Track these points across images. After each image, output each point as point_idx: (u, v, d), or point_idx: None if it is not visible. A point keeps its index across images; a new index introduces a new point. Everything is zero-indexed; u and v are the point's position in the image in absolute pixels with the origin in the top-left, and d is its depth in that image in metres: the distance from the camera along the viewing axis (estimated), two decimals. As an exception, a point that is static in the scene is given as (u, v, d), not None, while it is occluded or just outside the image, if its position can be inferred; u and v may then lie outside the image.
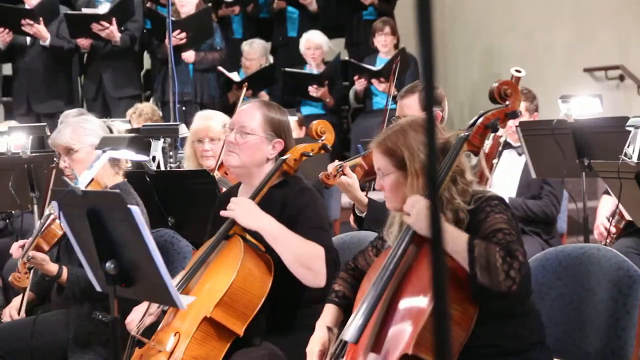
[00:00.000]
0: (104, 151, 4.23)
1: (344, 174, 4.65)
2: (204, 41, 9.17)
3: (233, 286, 3.60)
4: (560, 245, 3.92)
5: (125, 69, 9.23)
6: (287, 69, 9.39)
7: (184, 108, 8.53)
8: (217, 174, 5.11)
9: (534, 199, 5.93)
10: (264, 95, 9.40)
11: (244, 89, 6.92)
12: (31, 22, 8.73)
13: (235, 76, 9.44)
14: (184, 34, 8.78)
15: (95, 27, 8.79)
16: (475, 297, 3.02)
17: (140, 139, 4.37)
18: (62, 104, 8.79)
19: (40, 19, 8.77)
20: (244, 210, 3.71)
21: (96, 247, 3.20)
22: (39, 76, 9.04)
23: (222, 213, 3.76)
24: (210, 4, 9.27)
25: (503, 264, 2.96)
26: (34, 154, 5.83)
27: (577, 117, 5.54)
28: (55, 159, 4.59)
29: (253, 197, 3.78)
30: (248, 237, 3.72)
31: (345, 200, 4.85)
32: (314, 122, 4.13)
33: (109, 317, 3.24)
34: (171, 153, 6.11)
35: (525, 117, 5.85)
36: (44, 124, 7.35)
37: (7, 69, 9.66)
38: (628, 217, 4.98)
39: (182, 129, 5.52)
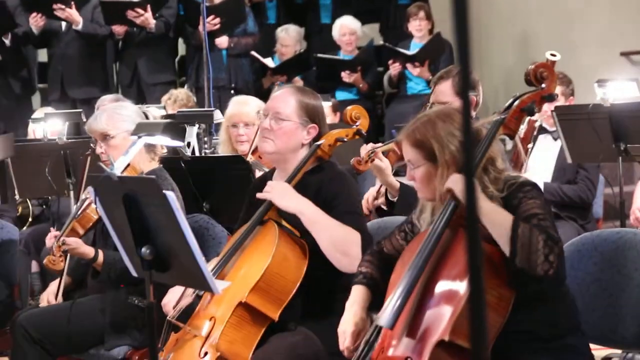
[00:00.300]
0: (139, 137, 4.25)
1: (377, 158, 4.63)
2: (237, 26, 9.17)
3: (268, 271, 3.61)
4: (597, 230, 3.90)
5: (160, 55, 9.26)
6: (320, 55, 9.38)
7: (218, 94, 8.55)
8: (251, 158, 5.12)
9: (569, 183, 5.89)
10: (298, 81, 9.40)
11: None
12: (63, 6, 8.78)
13: (269, 62, 9.44)
14: (217, 20, 8.79)
15: (130, 14, 8.82)
16: (511, 280, 3.01)
17: (175, 125, 4.39)
18: (97, 90, 8.83)
19: (72, 3, 8.81)
20: (281, 193, 3.71)
21: (132, 233, 3.21)
22: (73, 62, 9.09)
23: (259, 195, 3.76)
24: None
25: (544, 247, 2.95)
26: (70, 140, 5.86)
27: (613, 101, 5.49)
28: (91, 145, 4.61)
29: (288, 182, 3.78)
30: (283, 222, 3.72)
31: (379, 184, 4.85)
32: (349, 107, 4.12)
33: (145, 302, 3.26)
34: (206, 139, 6.13)
35: (561, 101, 5.81)
36: (80, 110, 7.38)
37: (43, 56, 9.72)
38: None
39: (217, 115, 5.53)
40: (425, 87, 8.81)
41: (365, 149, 4.68)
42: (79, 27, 8.93)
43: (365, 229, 3.74)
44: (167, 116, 6.22)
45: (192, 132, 5.30)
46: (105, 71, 9.30)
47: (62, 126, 6.01)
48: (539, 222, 3.02)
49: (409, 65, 8.96)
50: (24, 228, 6.74)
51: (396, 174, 4.75)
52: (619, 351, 4.70)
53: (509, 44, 9.87)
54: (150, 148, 4.45)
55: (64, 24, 9.03)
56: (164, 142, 4.42)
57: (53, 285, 4.55)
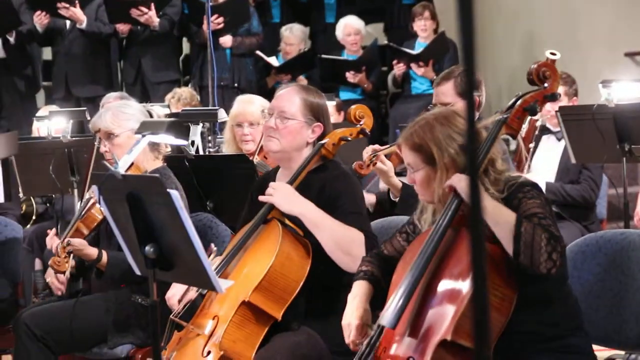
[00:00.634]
0: (143, 135, 4.25)
1: (379, 162, 4.64)
2: (241, 26, 9.17)
3: (271, 270, 3.61)
4: (601, 231, 3.89)
5: (164, 54, 9.27)
6: (323, 56, 9.37)
7: (221, 93, 8.55)
8: (256, 159, 5.12)
9: (572, 183, 5.89)
10: (302, 79, 9.39)
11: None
12: (67, 5, 8.79)
13: (274, 61, 9.44)
14: (221, 19, 8.79)
15: (134, 12, 8.83)
16: (514, 280, 3.01)
17: (180, 124, 4.39)
18: (101, 88, 8.84)
19: (77, 1, 8.82)
20: (283, 196, 3.71)
21: (136, 231, 3.21)
22: (78, 60, 9.10)
23: (261, 198, 3.76)
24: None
25: (547, 245, 2.95)
26: (74, 138, 5.87)
27: (618, 102, 5.49)
28: (95, 143, 4.61)
29: (291, 182, 3.78)
30: (286, 221, 3.72)
31: (383, 185, 4.85)
32: (353, 106, 4.12)
33: (148, 300, 3.26)
34: (210, 137, 6.13)
35: (564, 101, 5.81)
36: (84, 108, 7.39)
37: (47, 54, 9.73)
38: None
39: (221, 114, 5.53)
40: (429, 86, 8.80)
41: (367, 152, 4.68)
42: (83, 25, 8.94)
43: (369, 229, 3.74)
44: (171, 115, 6.22)
45: (196, 131, 5.30)
46: (110, 69, 9.30)
47: (66, 124, 6.02)
48: (539, 221, 3.02)
49: (413, 65, 8.95)
50: (28, 226, 6.75)
51: (399, 174, 4.75)
52: (622, 352, 4.69)
53: (513, 44, 9.86)
54: (154, 147, 4.45)
55: (68, 22, 9.04)
56: (168, 140, 4.42)
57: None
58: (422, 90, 9.10)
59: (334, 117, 7.20)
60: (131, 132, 4.38)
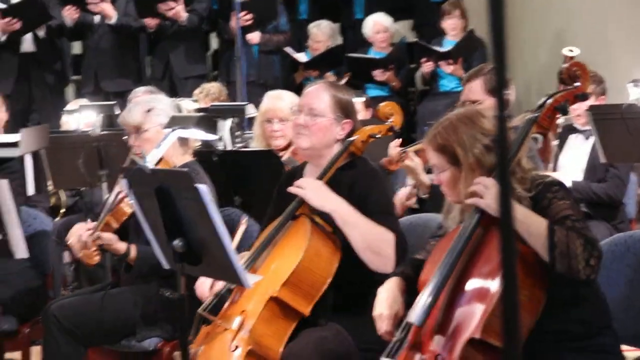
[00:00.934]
0: (172, 130, 4.27)
1: (408, 158, 4.64)
2: (269, 23, 9.19)
3: (300, 266, 3.61)
4: (630, 231, 3.88)
5: (192, 49, 9.29)
6: (350, 55, 9.37)
7: (247, 89, 8.56)
8: (287, 155, 5.12)
9: (599, 182, 5.86)
10: (330, 76, 9.39)
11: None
12: (97, 0, 8.83)
13: (302, 57, 9.44)
14: (249, 15, 8.81)
15: (162, 7, 8.86)
16: (550, 278, 3.00)
17: (208, 119, 4.40)
18: (130, 82, 8.88)
19: (106, -3, 8.89)
20: (315, 191, 3.71)
21: (164, 225, 3.23)
22: (107, 55, 9.14)
23: (291, 189, 3.76)
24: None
25: (584, 252, 2.94)
26: (103, 132, 5.90)
27: (647, 101, 5.46)
28: (124, 137, 4.63)
29: (320, 178, 3.78)
30: (315, 217, 3.73)
31: (411, 181, 4.86)
32: (382, 103, 4.12)
33: (177, 294, 3.28)
34: (238, 133, 6.15)
35: (591, 100, 5.78)
36: (114, 102, 7.43)
37: (77, 48, 9.78)
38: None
39: (249, 109, 5.54)
40: (457, 84, 8.78)
41: (394, 147, 4.67)
42: (112, 21, 8.99)
43: (399, 229, 3.73)
44: (199, 110, 6.25)
45: (224, 126, 5.32)
46: (138, 64, 9.35)
47: (96, 118, 6.05)
48: (573, 224, 3.01)
49: (442, 63, 8.93)
50: (57, 218, 6.79)
51: (429, 171, 4.74)
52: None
53: (542, 42, 9.82)
54: (183, 141, 4.46)
55: (97, 17, 9.08)
56: (196, 135, 4.43)
57: (85, 225, 4.38)
58: (450, 88, 9.08)
59: (362, 114, 7.19)
60: (160, 126, 4.39)
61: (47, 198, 6.75)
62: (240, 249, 4.00)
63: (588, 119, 5.53)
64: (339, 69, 9.65)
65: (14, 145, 5.76)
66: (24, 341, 4.83)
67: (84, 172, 5.62)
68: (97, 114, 6.13)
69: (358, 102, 6.32)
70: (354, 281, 3.73)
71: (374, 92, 9.32)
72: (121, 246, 4.30)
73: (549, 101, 3.32)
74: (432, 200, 4.64)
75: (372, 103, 7.61)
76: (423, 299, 3.08)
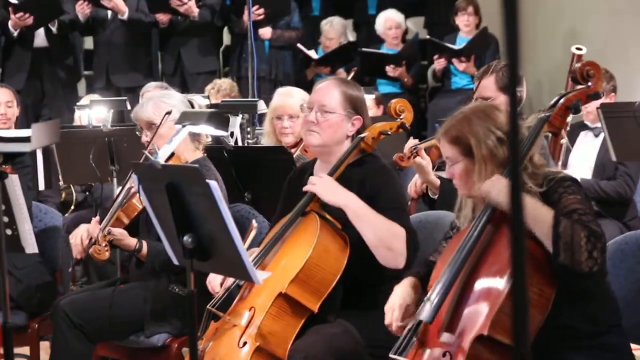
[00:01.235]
0: (183, 126, 4.26)
1: (418, 156, 4.63)
2: (282, 18, 9.19)
3: (309, 263, 3.61)
4: (640, 230, 3.86)
5: (204, 45, 9.30)
6: (363, 49, 9.37)
7: (257, 84, 8.56)
8: (297, 152, 5.12)
9: (609, 180, 5.85)
10: (342, 72, 9.39)
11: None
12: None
13: (313, 54, 9.44)
14: (262, 10, 8.81)
15: (173, 2, 8.86)
16: (555, 277, 3.00)
17: (220, 115, 4.39)
18: (141, 78, 8.89)
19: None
20: (326, 187, 3.71)
21: (174, 221, 3.22)
22: (118, 50, 9.16)
23: (306, 188, 3.76)
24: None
25: (587, 244, 2.94)
26: (114, 128, 5.91)
27: (661, 99, 5.42)
28: (137, 132, 4.63)
29: (331, 174, 3.78)
30: (325, 214, 3.72)
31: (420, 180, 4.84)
32: (393, 100, 4.11)
33: (186, 290, 3.27)
34: (249, 129, 6.15)
35: (602, 98, 5.75)
36: (125, 98, 7.44)
37: (89, 44, 9.80)
38: None
39: (261, 105, 5.53)
40: (469, 81, 8.77)
41: (408, 145, 4.67)
42: (124, 16, 9.00)
43: (410, 225, 3.73)
44: (211, 106, 6.24)
45: (235, 122, 5.31)
46: (150, 60, 9.36)
47: (107, 113, 6.05)
48: (579, 217, 3.01)
49: (454, 60, 8.92)
50: (67, 214, 6.80)
51: (438, 168, 4.73)
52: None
53: (555, 39, 9.80)
54: (194, 137, 4.46)
55: (109, 12, 9.09)
56: (207, 131, 4.42)
57: (92, 223, 4.42)
58: (461, 85, 9.07)
59: (373, 111, 7.20)
60: (173, 122, 4.39)
61: (57, 193, 6.76)
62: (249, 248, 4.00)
63: (599, 116, 5.51)
64: (350, 66, 9.65)
65: (25, 140, 5.76)
66: (33, 336, 4.84)
67: (94, 168, 5.63)
68: (108, 110, 6.13)
69: (369, 98, 6.31)
70: (363, 278, 3.73)
71: (385, 88, 9.32)
72: (132, 242, 4.30)
73: (561, 100, 3.32)
74: (441, 199, 4.63)
75: (383, 100, 7.61)
76: (432, 297, 3.08)
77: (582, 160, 5.92)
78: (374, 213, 3.64)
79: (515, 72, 1.69)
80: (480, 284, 3.09)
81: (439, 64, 9.06)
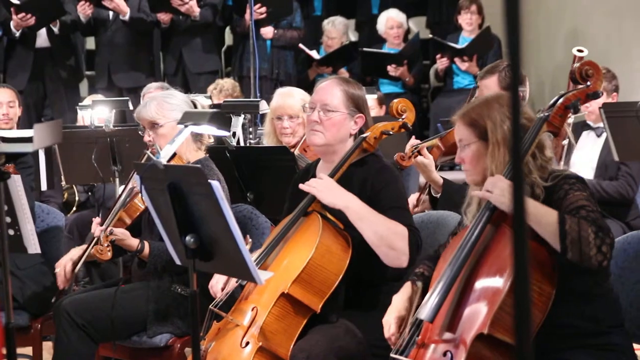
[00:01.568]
0: (185, 126, 4.26)
1: (420, 155, 4.63)
2: (283, 18, 9.19)
3: (311, 263, 3.61)
4: (643, 229, 3.86)
5: (205, 44, 9.30)
6: (365, 49, 9.37)
7: (259, 84, 8.56)
8: (296, 152, 5.12)
9: (611, 180, 5.84)
10: (343, 72, 9.40)
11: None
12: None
13: (315, 54, 9.44)
14: (264, 9, 8.81)
15: (174, 1, 8.87)
16: (562, 273, 3.00)
17: (222, 115, 4.38)
18: (143, 78, 8.90)
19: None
20: (326, 189, 3.71)
21: (176, 221, 3.23)
22: (120, 50, 9.16)
23: (302, 186, 3.75)
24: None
25: (596, 239, 2.95)
26: (116, 128, 5.90)
27: (662, 99, 5.42)
28: (140, 132, 4.63)
29: (332, 175, 3.78)
30: (327, 214, 3.72)
31: (423, 179, 4.84)
32: (395, 100, 4.11)
33: (188, 290, 3.28)
34: (251, 129, 6.15)
35: (603, 97, 5.75)
36: (127, 98, 7.44)
37: (91, 44, 9.80)
38: None
39: (263, 105, 5.53)
40: (471, 81, 8.77)
41: (411, 144, 4.67)
42: (126, 17, 9.00)
43: (412, 223, 3.73)
44: (213, 106, 6.24)
45: (237, 122, 5.31)
46: (152, 60, 9.36)
47: (109, 114, 6.05)
48: (587, 214, 3.02)
49: (457, 60, 8.92)
50: (69, 214, 6.80)
51: (440, 169, 4.74)
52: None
53: (557, 39, 9.80)
54: (197, 137, 4.46)
55: (111, 12, 9.10)
56: (210, 131, 4.42)
57: (75, 251, 4.46)
58: (464, 85, 9.07)
59: (376, 111, 7.20)
60: (175, 122, 4.39)
61: (60, 193, 6.76)
62: (252, 247, 4.00)
63: (601, 116, 5.51)
64: (352, 66, 9.66)
65: (27, 140, 5.76)
66: (36, 336, 4.84)
67: (97, 168, 5.63)
68: (110, 110, 6.13)
69: (371, 98, 6.31)
70: (365, 278, 3.73)
71: (387, 88, 9.32)
72: (134, 242, 4.30)
73: (560, 100, 3.33)
74: (443, 198, 4.63)
75: (385, 99, 7.62)
76: (433, 296, 3.09)
77: (584, 160, 5.92)
78: (374, 213, 3.64)
79: (517, 72, 1.69)
80: (481, 282, 3.09)
81: (441, 63, 9.06)
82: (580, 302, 3.15)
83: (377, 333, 3.46)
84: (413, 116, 4.06)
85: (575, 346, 3.14)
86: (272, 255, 3.75)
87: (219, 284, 3.87)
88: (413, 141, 4.71)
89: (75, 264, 4.40)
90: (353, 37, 10.18)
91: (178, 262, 3.39)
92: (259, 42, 8.66)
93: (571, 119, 5.78)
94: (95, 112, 6.32)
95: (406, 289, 3.43)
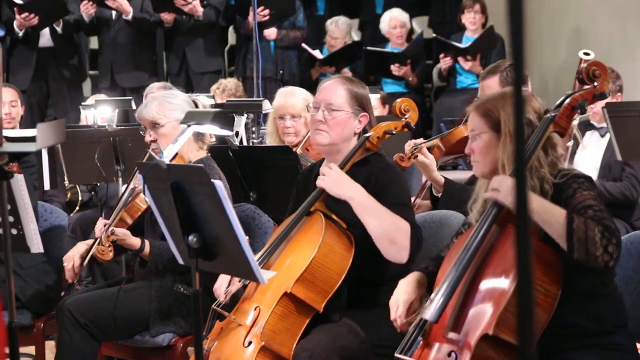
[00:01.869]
0: (188, 125, 4.26)
1: (421, 154, 4.63)
2: (286, 18, 9.19)
3: (314, 262, 3.61)
4: (646, 229, 3.86)
5: (209, 44, 9.30)
6: (369, 48, 9.37)
7: (264, 84, 8.57)
8: (299, 151, 5.13)
9: (615, 181, 5.83)
10: (347, 72, 9.40)
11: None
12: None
13: (318, 54, 9.44)
14: (267, 11, 8.81)
15: (177, 1, 8.87)
16: (568, 272, 3.00)
17: (225, 114, 4.38)
18: (146, 78, 8.90)
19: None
20: (333, 179, 3.72)
21: (179, 221, 3.22)
22: (123, 50, 9.17)
23: (318, 183, 3.76)
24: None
25: (602, 239, 2.95)
26: (119, 127, 5.91)
27: (665, 98, 5.42)
28: (141, 132, 4.63)
29: (338, 170, 3.79)
30: (330, 213, 3.72)
31: (425, 179, 4.85)
32: (398, 100, 4.11)
33: (191, 290, 3.28)
34: (254, 129, 6.15)
35: (607, 97, 5.73)
36: (130, 97, 7.44)
37: (94, 43, 9.81)
38: None
39: (266, 105, 5.53)
40: (474, 81, 8.77)
41: (409, 144, 4.67)
42: (129, 16, 9.00)
43: (414, 220, 3.74)
44: (216, 105, 6.24)
45: (240, 122, 5.31)
46: (155, 59, 9.36)
47: (112, 113, 6.05)
48: (595, 214, 3.02)
49: (460, 59, 8.92)
50: (72, 213, 6.80)
51: (441, 168, 4.73)
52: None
53: (560, 39, 9.79)
54: (199, 137, 4.46)
55: (114, 12, 9.10)
56: (213, 131, 4.42)
57: (81, 246, 4.46)
58: (466, 84, 9.07)
59: (379, 110, 7.20)
60: (177, 122, 4.39)
61: (63, 193, 6.76)
62: (254, 245, 4.00)
63: (604, 116, 5.50)
64: (355, 65, 9.65)
65: (31, 140, 5.76)
66: (39, 336, 4.84)
67: (99, 167, 5.63)
68: (113, 109, 6.14)
69: (374, 98, 6.30)
70: (368, 277, 3.73)
71: (390, 87, 9.32)
72: (135, 241, 4.30)
73: (567, 100, 3.32)
74: (445, 197, 4.63)
75: (388, 99, 7.61)
76: (438, 296, 3.08)
77: (587, 160, 5.91)
78: (379, 206, 3.65)
79: (520, 71, 1.68)
80: (486, 283, 3.09)
81: (445, 62, 9.06)
82: (586, 301, 3.15)
83: (379, 332, 3.46)
84: (416, 116, 4.06)
85: (580, 346, 3.14)
86: (275, 255, 3.75)
87: (222, 287, 3.88)
88: (411, 142, 4.71)
89: (83, 258, 4.39)
90: (356, 36, 10.17)
91: (181, 261, 3.39)
92: (262, 43, 8.66)
93: (576, 120, 5.77)
94: (98, 112, 6.32)
95: (414, 274, 3.41)
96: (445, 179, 4.68)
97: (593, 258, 2.95)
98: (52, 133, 5.35)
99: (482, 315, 3.02)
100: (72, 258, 4.41)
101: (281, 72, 9.24)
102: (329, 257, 3.64)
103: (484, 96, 3.41)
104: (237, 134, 5.27)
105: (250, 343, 3.59)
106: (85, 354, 4.25)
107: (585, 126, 5.97)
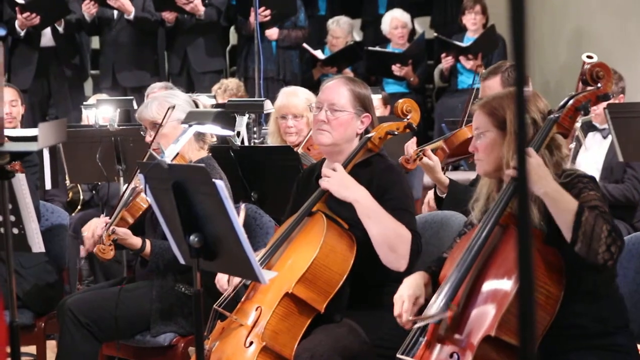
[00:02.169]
0: (189, 125, 4.26)
1: (425, 157, 4.63)
2: (288, 18, 9.19)
3: (315, 263, 3.61)
4: (647, 230, 3.85)
5: (210, 44, 9.30)
6: (370, 48, 9.37)
7: (266, 85, 8.57)
8: (300, 151, 5.13)
9: (616, 182, 5.83)
10: (348, 72, 9.40)
11: None
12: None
13: (319, 54, 9.44)
14: (268, 11, 8.81)
15: (179, 0, 8.87)
16: (570, 272, 3.00)
17: (226, 114, 4.38)
18: (148, 78, 8.90)
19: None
20: (338, 181, 3.71)
21: (180, 221, 3.22)
22: (124, 49, 9.17)
23: (321, 182, 3.76)
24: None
25: (608, 237, 2.96)
26: (121, 127, 5.91)
27: (667, 100, 5.42)
28: (141, 132, 4.64)
29: (340, 171, 3.79)
30: (332, 214, 3.72)
31: (427, 179, 4.84)
32: (400, 100, 4.11)
33: (192, 289, 3.28)
34: (255, 129, 6.15)
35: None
36: (131, 97, 7.44)
37: (96, 43, 9.81)
38: None
39: (267, 105, 5.53)
40: (476, 81, 8.76)
41: (411, 146, 4.66)
42: (131, 16, 9.00)
43: (415, 227, 3.73)
44: (217, 105, 6.24)
45: (242, 122, 5.31)
46: (156, 59, 9.36)
47: (114, 113, 6.05)
48: (600, 214, 3.02)
49: (462, 58, 8.92)
50: (74, 213, 6.80)
51: (445, 169, 4.73)
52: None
53: (561, 39, 9.79)
54: (199, 137, 4.46)
55: (115, 12, 9.10)
56: (214, 130, 4.42)
57: (98, 221, 4.39)
58: (468, 85, 9.05)
59: (380, 111, 7.20)
60: (177, 122, 4.39)
61: (64, 192, 6.76)
62: (255, 245, 4.00)
63: (606, 117, 5.50)
64: (356, 65, 9.65)
65: (32, 139, 5.76)
66: (40, 335, 4.84)
67: (101, 167, 5.63)
68: (114, 109, 6.13)
69: (376, 98, 6.30)
70: (369, 278, 3.73)
71: (392, 88, 9.32)
72: (136, 241, 4.30)
73: (570, 102, 3.31)
74: (449, 198, 4.63)
75: (390, 99, 7.61)
76: (440, 297, 3.08)
77: (589, 161, 5.91)
78: (382, 211, 3.64)
79: (522, 72, 1.68)
80: (488, 285, 3.09)
81: (446, 62, 9.06)
82: (587, 302, 3.15)
83: (381, 333, 3.45)
84: (418, 116, 4.06)
85: (581, 347, 3.13)
86: (277, 255, 3.75)
87: (224, 278, 3.87)
88: (411, 143, 4.70)
89: (108, 228, 4.34)
90: (358, 37, 10.17)
91: (182, 261, 3.39)
92: (264, 43, 8.66)
93: (579, 122, 5.77)
94: (100, 112, 6.32)
95: (419, 273, 3.41)
96: (450, 180, 4.68)
97: (594, 254, 2.95)
98: (54, 132, 5.35)
99: (485, 317, 3.02)
100: (93, 227, 4.36)
101: (283, 72, 9.24)
102: (331, 258, 3.63)
103: (490, 95, 3.40)
104: (238, 134, 5.26)
105: (251, 343, 3.59)
106: (86, 353, 4.25)
107: (588, 127, 5.97)
